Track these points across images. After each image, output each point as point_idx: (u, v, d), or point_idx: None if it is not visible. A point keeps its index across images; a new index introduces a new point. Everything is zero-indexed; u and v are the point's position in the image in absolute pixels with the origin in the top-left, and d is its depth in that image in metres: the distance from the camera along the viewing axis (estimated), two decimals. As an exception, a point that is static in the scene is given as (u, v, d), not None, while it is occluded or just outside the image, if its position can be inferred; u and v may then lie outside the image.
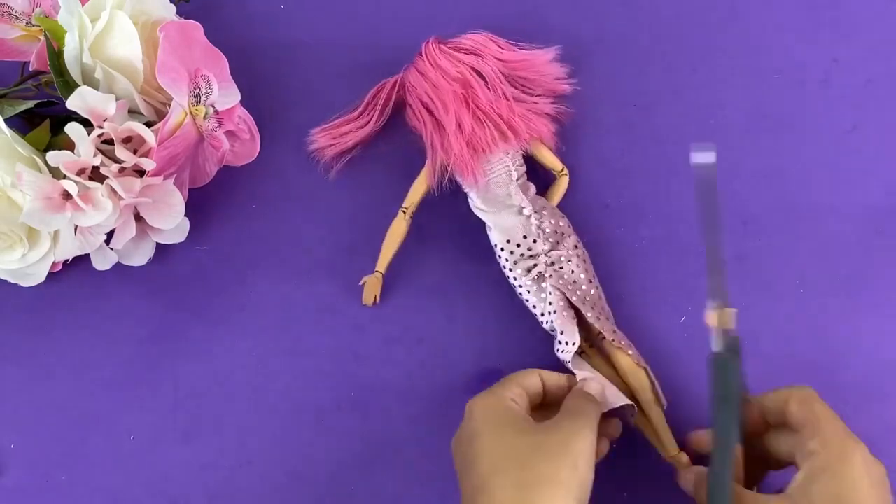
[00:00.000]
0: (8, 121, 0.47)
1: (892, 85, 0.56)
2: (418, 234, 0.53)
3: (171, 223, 0.50)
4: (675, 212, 0.53)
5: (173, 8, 0.52)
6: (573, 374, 0.47)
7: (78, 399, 0.51)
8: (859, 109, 0.55)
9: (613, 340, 0.47)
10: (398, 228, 0.51)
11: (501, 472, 0.38)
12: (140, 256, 0.52)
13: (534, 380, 0.45)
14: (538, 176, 0.53)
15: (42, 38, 0.49)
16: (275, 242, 0.54)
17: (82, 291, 0.53)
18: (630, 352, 0.47)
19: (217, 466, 0.50)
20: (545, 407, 0.45)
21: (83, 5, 0.47)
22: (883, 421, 0.49)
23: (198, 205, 0.53)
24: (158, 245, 0.52)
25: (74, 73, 0.48)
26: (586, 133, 0.55)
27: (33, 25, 0.52)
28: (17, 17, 0.51)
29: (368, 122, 0.54)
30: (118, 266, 0.52)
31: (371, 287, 0.51)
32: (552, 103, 0.53)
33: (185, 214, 0.50)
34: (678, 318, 0.51)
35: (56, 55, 0.48)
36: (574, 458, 0.39)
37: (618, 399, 0.45)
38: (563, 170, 0.53)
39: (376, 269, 0.51)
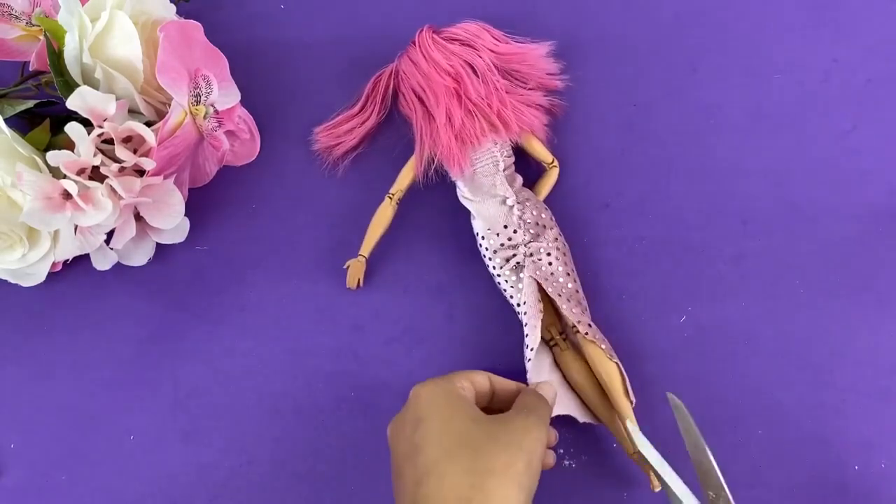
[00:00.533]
0: (8, 121, 0.47)
1: (892, 85, 0.55)
2: (419, 234, 0.53)
3: (171, 223, 0.50)
4: (675, 212, 0.53)
5: (173, 8, 0.52)
6: (526, 382, 0.47)
7: (78, 399, 0.51)
8: (859, 109, 0.55)
9: (587, 333, 0.47)
10: (384, 214, 0.51)
11: (453, 457, 0.37)
12: (140, 256, 0.52)
13: (482, 379, 0.44)
14: (531, 168, 0.53)
15: (42, 38, 0.49)
16: (275, 242, 0.54)
17: (82, 291, 0.53)
18: (603, 346, 0.47)
19: (217, 466, 0.50)
20: (490, 411, 0.44)
21: (83, 5, 0.47)
22: (884, 421, 0.49)
23: (198, 205, 0.54)
24: (158, 245, 0.52)
25: (74, 73, 0.48)
26: (586, 132, 0.55)
27: (33, 25, 0.52)
28: (17, 17, 0.51)
29: (370, 115, 0.54)
30: (118, 266, 0.52)
31: (355, 271, 0.51)
32: (544, 96, 0.53)
33: (185, 214, 0.50)
34: (678, 318, 0.51)
35: (56, 55, 0.48)
36: (528, 454, 0.38)
37: (564, 409, 0.47)
38: (553, 162, 0.53)
39: (360, 253, 0.51)
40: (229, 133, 0.52)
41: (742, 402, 0.49)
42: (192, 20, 0.50)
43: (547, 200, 0.53)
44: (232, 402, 0.51)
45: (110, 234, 0.49)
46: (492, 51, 0.52)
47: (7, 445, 0.51)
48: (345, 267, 0.51)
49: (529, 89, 0.53)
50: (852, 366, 0.50)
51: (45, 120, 0.50)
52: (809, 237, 0.52)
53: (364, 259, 0.51)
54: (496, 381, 0.45)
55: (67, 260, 0.51)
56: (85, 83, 0.48)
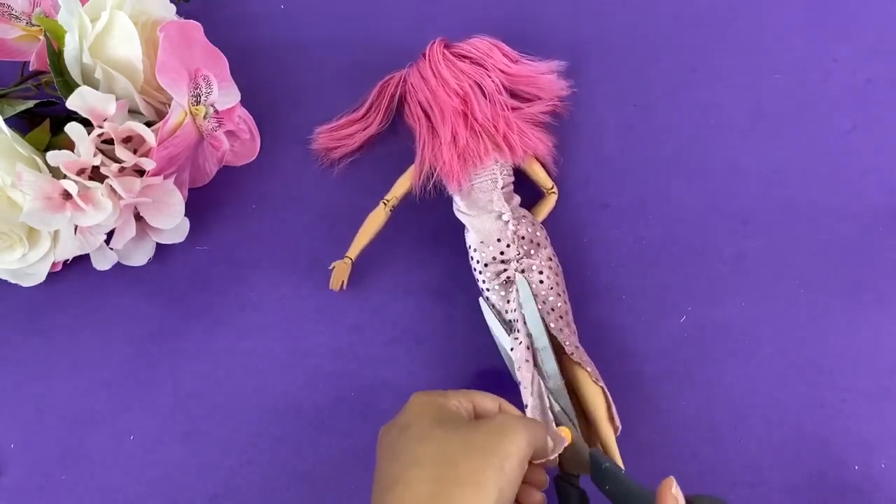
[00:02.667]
0: (8, 121, 0.47)
1: (892, 85, 0.56)
2: (420, 235, 0.53)
3: (171, 223, 0.50)
4: (675, 212, 0.53)
5: (173, 8, 0.52)
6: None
7: (78, 399, 0.51)
8: (859, 109, 0.55)
9: (573, 354, 0.46)
10: (376, 219, 0.51)
11: (422, 464, 0.36)
12: (140, 256, 0.52)
13: (489, 403, 0.42)
14: (533, 191, 0.53)
15: (42, 38, 0.49)
16: (275, 242, 0.54)
17: (82, 291, 0.53)
18: (588, 368, 0.46)
19: (217, 466, 0.50)
20: None
21: (83, 5, 0.48)
22: (883, 421, 0.49)
23: (198, 205, 0.54)
24: (158, 245, 0.52)
25: (74, 73, 0.48)
26: (586, 133, 0.55)
27: (33, 25, 0.52)
28: (17, 17, 0.52)
29: (373, 122, 0.54)
30: (118, 266, 0.52)
31: (339, 272, 0.51)
32: (550, 108, 0.53)
33: (185, 214, 0.50)
34: (678, 318, 0.51)
35: (56, 55, 0.48)
36: (501, 460, 0.36)
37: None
38: (552, 188, 0.52)
39: (346, 254, 0.51)
40: (229, 133, 0.52)
41: (742, 402, 0.49)
42: (192, 20, 0.50)
43: (547, 200, 0.53)
44: (232, 402, 0.51)
45: (110, 234, 0.49)
46: (502, 71, 0.52)
47: (7, 445, 0.51)
48: (330, 268, 0.51)
49: (533, 102, 0.53)
50: (852, 366, 0.50)
51: (45, 120, 0.50)
52: (809, 237, 0.52)
53: (350, 261, 0.51)
54: (506, 407, 0.42)
55: (67, 260, 0.51)
56: (85, 83, 0.48)
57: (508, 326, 0.48)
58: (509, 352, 0.47)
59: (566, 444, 0.42)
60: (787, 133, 0.55)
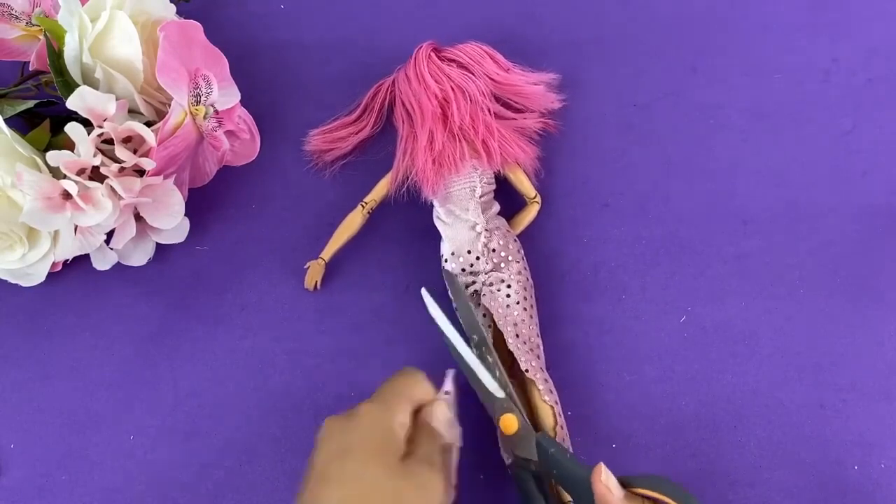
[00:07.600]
0: (8, 121, 0.47)
1: (892, 85, 0.56)
2: (419, 235, 0.53)
3: (171, 223, 0.50)
4: (675, 212, 0.53)
5: (173, 8, 0.52)
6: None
7: (78, 399, 0.51)
8: (859, 109, 0.55)
9: (528, 371, 0.46)
10: (353, 221, 0.51)
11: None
12: (140, 256, 0.52)
13: (425, 392, 0.43)
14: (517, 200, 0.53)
15: (42, 38, 0.49)
16: (275, 242, 0.54)
17: (82, 291, 0.53)
18: (541, 386, 0.46)
19: (217, 466, 0.50)
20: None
21: (83, 5, 0.48)
22: (884, 422, 0.49)
23: (198, 205, 0.54)
24: (158, 245, 0.52)
25: (74, 73, 0.48)
26: (586, 133, 0.55)
27: (33, 25, 0.52)
28: (17, 17, 0.52)
29: (366, 125, 0.54)
30: (118, 266, 0.52)
31: (313, 272, 0.51)
32: (539, 118, 0.53)
33: (185, 214, 0.50)
34: (678, 318, 0.51)
35: (56, 55, 0.48)
36: None
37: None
38: (535, 197, 0.52)
39: (320, 255, 0.51)
40: (229, 133, 0.52)
41: (742, 402, 0.49)
42: (192, 20, 0.50)
43: (546, 199, 0.53)
44: (232, 402, 0.51)
45: (110, 234, 0.49)
46: (491, 79, 0.52)
47: (7, 445, 0.51)
48: (305, 267, 0.51)
49: (523, 112, 0.53)
50: (852, 366, 0.50)
51: (45, 120, 0.50)
52: (809, 237, 0.52)
53: (323, 262, 0.51)
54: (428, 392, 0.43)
55: (67, 260, 0.51)
56: (85, 83, 0.48)
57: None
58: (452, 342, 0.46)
59: (509, 433, 0.44)
60: (787, 133, 0.55)
